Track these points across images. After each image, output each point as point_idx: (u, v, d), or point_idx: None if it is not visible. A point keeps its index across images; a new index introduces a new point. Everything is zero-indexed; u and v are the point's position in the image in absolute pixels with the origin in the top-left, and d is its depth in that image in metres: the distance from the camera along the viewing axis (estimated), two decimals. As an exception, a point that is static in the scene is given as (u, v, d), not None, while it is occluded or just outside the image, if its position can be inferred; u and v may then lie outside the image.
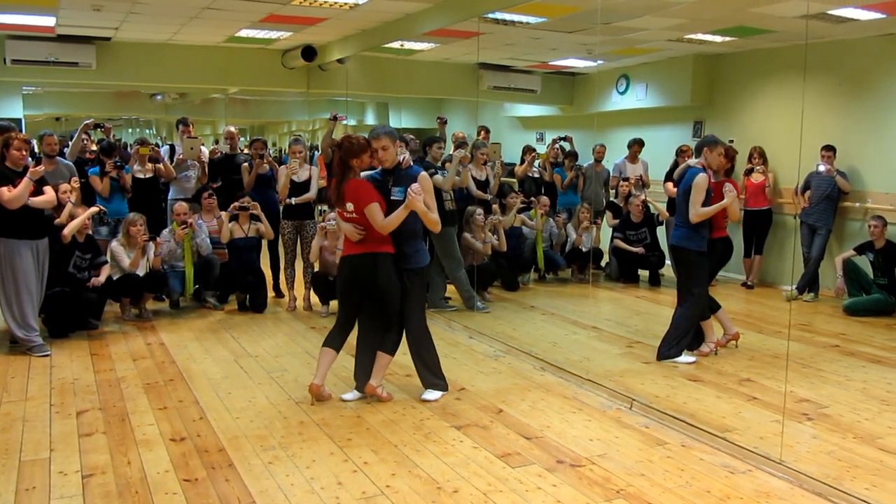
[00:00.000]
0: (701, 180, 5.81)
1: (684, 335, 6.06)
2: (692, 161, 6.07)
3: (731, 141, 8.73)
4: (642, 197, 9.35)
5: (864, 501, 3.64)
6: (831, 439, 4.48)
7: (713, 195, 5.87)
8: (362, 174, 4.96)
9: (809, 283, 8.45)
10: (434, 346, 5.24)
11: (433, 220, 4.92)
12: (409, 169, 4.99)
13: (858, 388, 5.48)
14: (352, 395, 5.10)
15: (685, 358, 6.03)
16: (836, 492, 3.74)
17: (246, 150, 9.59)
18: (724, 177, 6.16)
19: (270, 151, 13.07)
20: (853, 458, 4.21)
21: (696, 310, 6.03)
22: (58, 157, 7.67)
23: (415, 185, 4.79)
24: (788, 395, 5.07)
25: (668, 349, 6.04)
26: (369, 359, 5.07)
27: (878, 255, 7.75)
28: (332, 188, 5.00)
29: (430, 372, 5.20)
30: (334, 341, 5.04)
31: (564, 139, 10.53)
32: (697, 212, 5.82)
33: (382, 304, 4.95)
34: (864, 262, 7.92)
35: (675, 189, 8.42)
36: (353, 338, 5.13)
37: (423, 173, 4.97)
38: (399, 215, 4.77)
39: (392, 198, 4.87)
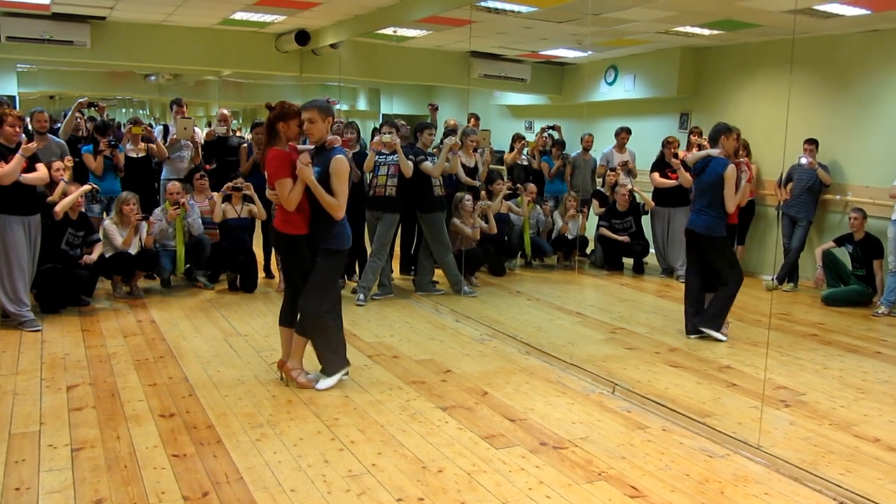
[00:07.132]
0: (732, 171, 6.14)
1: (722, 311, 6.34)
2: (714, 151, 6.23)
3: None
4: (629, 186, 9.44)
5: (839, 486, 3.71)
6: (808, 426, 4.57)
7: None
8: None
9: (789, 274, 8.57)
10: (330, 333, 4.93)
11: (329, 201, 4.67)
12: (332, 150, 4.77)
13: (835, 376, 5.58)
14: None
15: (719, 335, 6.31)
16: (812, 476, 3.81)
17: (239, 133, 9.56)
18: (734, 157, 6.44)
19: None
20: (829, 444, 4.30)
21: (734, 291, 6.33)
22: (49, 135, 7.66)
23: (303, 155, 4.59)
24: (767, 382, 5.16)
25: (703, 320, 6.35)
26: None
27: (857, 246, 7.87)
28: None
29: (325, 354, 4.95)
30: (285, 318, 5.00)
31: (553, 128, 10.60)
32: (736, 202, 6.20)
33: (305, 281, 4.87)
34: (844, 254, 8.03)
35: (662, 179, 8.62)
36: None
37: (339, 156, 4.72)
38: (297, 189, 4.61)
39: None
